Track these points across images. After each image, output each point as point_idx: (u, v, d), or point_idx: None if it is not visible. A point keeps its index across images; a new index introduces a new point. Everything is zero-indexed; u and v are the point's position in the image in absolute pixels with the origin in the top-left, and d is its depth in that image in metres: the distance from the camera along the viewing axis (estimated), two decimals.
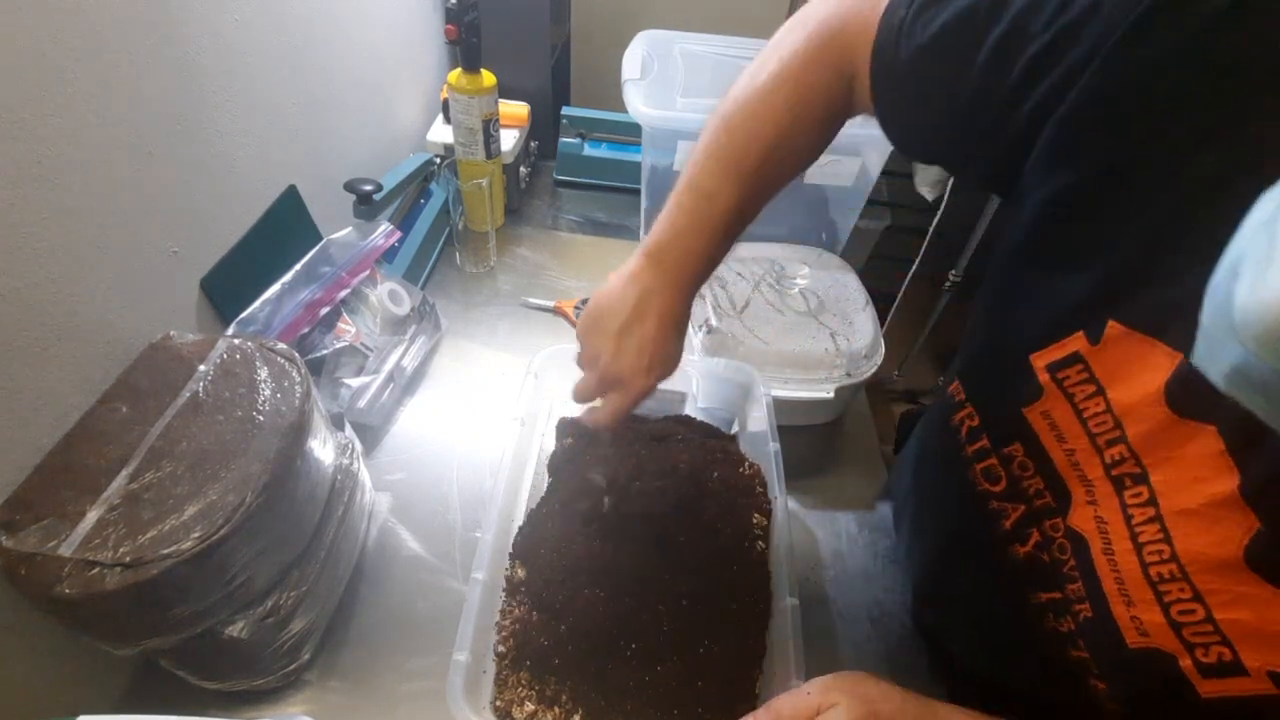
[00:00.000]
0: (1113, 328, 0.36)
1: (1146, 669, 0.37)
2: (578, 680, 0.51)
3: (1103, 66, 0.34)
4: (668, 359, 0.51)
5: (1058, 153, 0.38)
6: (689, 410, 0.74)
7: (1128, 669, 0.39)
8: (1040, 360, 0.40)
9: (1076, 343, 0.38)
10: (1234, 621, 0.33)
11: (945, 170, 1.61)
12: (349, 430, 0.65)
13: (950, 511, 0.56)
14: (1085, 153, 0.36)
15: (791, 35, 0.50)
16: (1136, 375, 0.35)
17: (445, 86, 0.93)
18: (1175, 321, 0.33)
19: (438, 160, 1.00)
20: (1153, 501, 0.36)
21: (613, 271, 0.52)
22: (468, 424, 0.79)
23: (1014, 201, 0.43)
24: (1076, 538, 0.41)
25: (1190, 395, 0.28)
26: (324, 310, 0.70)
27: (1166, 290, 0.33)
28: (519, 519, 0.63)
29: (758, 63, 0.50)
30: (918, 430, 0.72)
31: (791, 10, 1.55)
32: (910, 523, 0.68)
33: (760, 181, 0.50)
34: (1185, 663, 0.35)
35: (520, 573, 0.58)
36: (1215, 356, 0.25)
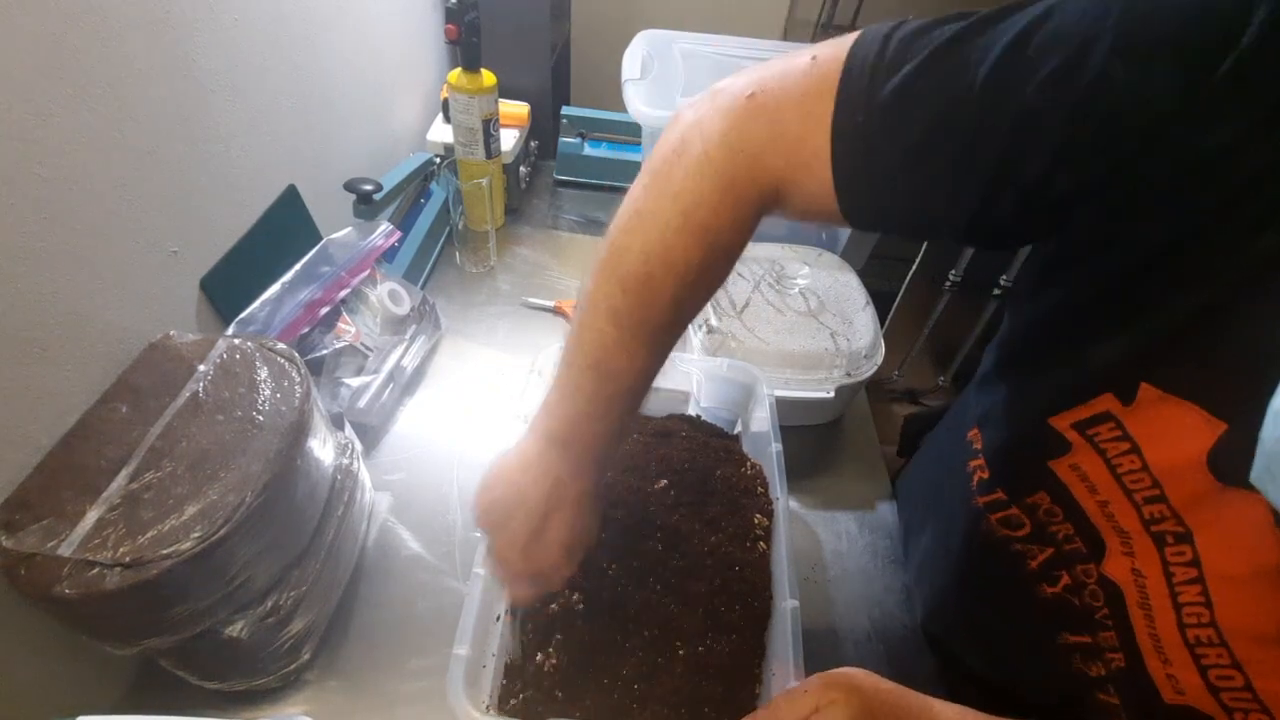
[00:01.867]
0: (1146, 390, 0.34)
1: None
2: (577, 677, 0.51)
3: (1163, 150, 0.30)
4: (588, 534, 0.49)
5: (1109, 233, 0.34)
6: (690, 410, 0.74)
7: None
8: (1062, 421, 0.39)
9: (1105, 403, 0.37)
10: (1274, 692, 0.33)
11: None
12: (349, 430, 0.65)
13: (968, 548, 0.54)
14: (1140, 234, 0.33)
15: (677, 179, 0.41)
16: (1174, 438, 0.34)
17: (445, 86, 0.93)
18: (1216, 388, 0.32)
19: (438, 160, 1.00)
20: (1196, 563, 0.35)
21: (505, 451, 0.48)
22: (468, 424, 0.78)
23: (1036, 267, 0.40)
24: (1110, 586, 0.40)
25: (1238, 467, 0.27)
26: (324, 310, 0.70)
27: (1206, 357, 0.32)
28: None
29: (637, 209, 0.43)
30: (926, 454, 0.70)
31: (792, 10, 1.56)
32: (922, 550, 0.67)
33: (669, 339, 0.44)
34: None
35: None
36: (1277, 481, 0.24)
